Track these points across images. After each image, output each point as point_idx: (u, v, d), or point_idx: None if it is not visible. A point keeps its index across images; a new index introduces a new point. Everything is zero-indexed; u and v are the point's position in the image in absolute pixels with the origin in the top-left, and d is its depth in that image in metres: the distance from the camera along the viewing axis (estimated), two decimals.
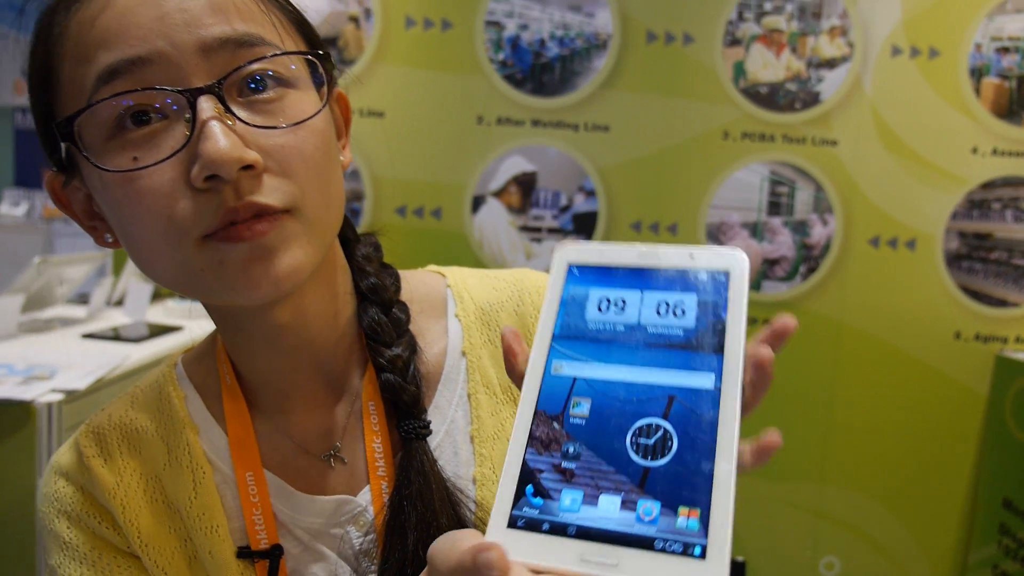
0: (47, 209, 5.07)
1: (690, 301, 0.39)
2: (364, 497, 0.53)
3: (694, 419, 0.37)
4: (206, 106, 0.41)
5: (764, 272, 2.29)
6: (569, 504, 0.35)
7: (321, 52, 0.48)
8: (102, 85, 0.42)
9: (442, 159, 2.27)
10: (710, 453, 0.36)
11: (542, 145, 2.28)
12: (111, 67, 0.42)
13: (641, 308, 0.39)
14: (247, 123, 0.43)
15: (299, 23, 0.49)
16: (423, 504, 0.50)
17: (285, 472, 0.54)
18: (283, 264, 0.44)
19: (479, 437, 0.55)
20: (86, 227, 0.51)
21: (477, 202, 2.29)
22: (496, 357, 0.58)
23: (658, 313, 0.39)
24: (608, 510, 0.35)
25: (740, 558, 1.66)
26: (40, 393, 1.33)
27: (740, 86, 2.25)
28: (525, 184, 2.29)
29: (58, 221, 5.08)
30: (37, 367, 1.48)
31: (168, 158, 0.41)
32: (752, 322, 2.29)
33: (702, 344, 0.38)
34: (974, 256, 2.27)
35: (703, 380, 0.37)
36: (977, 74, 2.22)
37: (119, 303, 2.09)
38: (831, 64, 2.24)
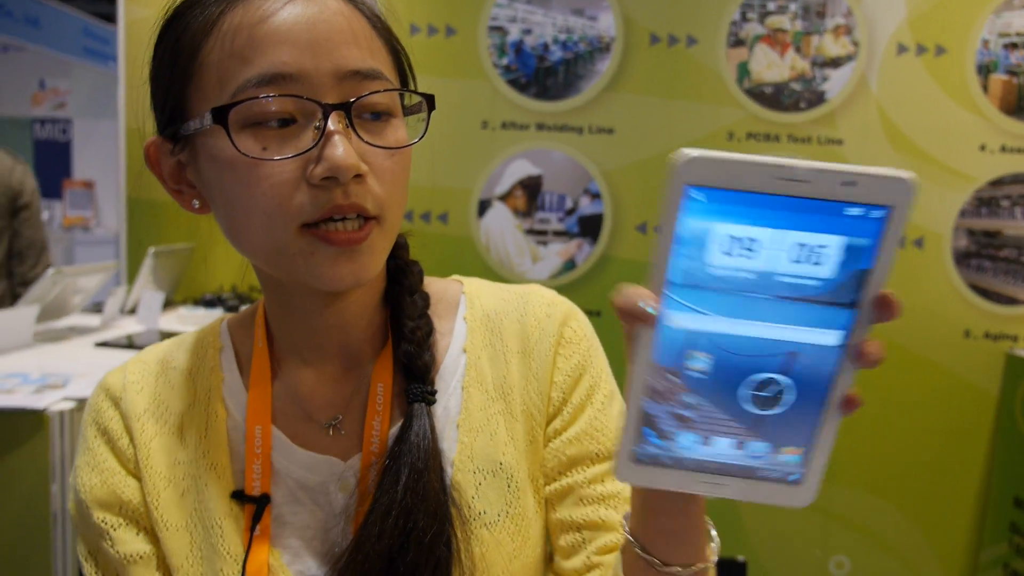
0: (67, 218, 5.16)
1: (834, 245, 0.34)
2: (352, 464, 0.59)
3: (813, 374, 0.37)
4: (335, 120, 0.50)
5: None
6: (685, 443, 0.39)
7: (416, 90, 0.58)
8: (254, 86, 0.50)
9: (448, 164, 2.29)
10: (822, 403, 0.38)
11: (547, 149, 2.30)
12: (267, 75, 0.50)
13: (774, 252, 0.34)
14: (365, 141, 0.51)
15: (399, 63, 0.59)
16: (419, 459, 0.56)
17: (289, 430, 0.60)
18: (364, 268, 0.53)
19: (465, 426, 0.61)
20: (170, 189, 0.58)
21: (483, 206, 2.31)
22: (494, 359, 0.63)
23: (793, 260, 0.34)
24: (722, 448, 0.39)
25: (741, 557, 1.67)
26: (52, 401, 1.37)
27: (744, 87, 2.25)
28: (531, 187, 2.31)
29: (77, 230, 5.17)
30: (50, 376, 1.52)
31: (296, 155, 0.50)
32: None
33: (837, 298, 0.35)
34: (983, 254, 2.25)
35: (830, 337, 0.36)
36: (984, 71, 2.21)
37: (132, 311, 2.13)
38: (836, 63, 2.24)
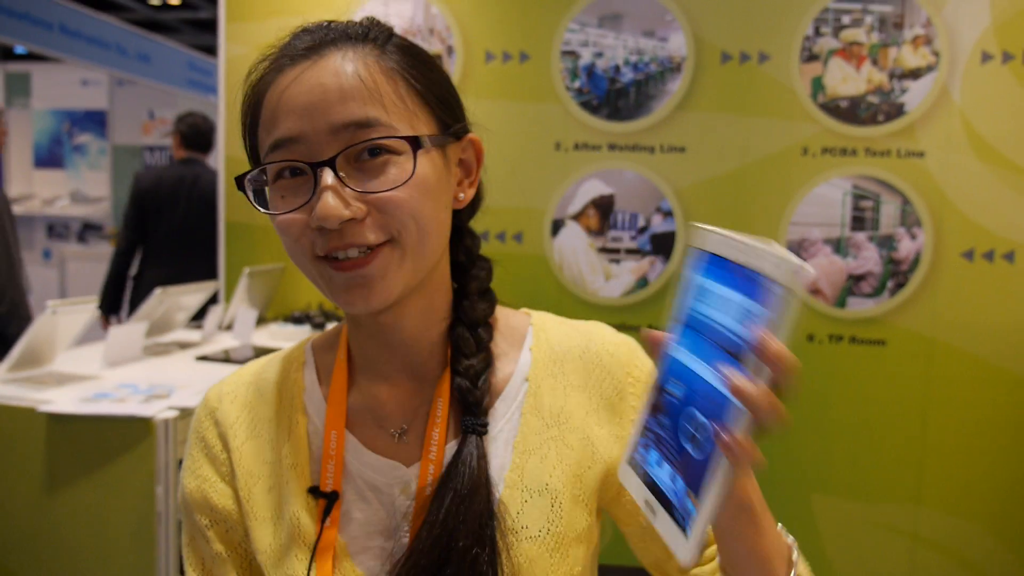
0: None
1: (758, 312, 0.40)
2: (413, 470, 0.65)
3: (722, 420, 0.40)
4: (325, 176, 0.57)
5: (849, 288, 2.25)
6: (651, 461, 0.46)
7: (427, 133, 0.62)
8: (269, 151, 0.59)
9: (522, 185, 2.36)
10: (718, 455, 0.40)
11: (619, 168, 2.34)
12: (276, 141, 0.59)
13: (731, 309, 0.42)
14: (353, 188, 0.58)
15: (432, 98, 0.63)
16: (463, 486, 0.62)
17: (362, 436, 0.67)
18: (377, 292, 0.59)
19: (519, 448, 0.66)
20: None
21: (557, 225, 2.37)
22: (554, 389, 0.68)
23: (737, 318, 0.41)
24: (665, 475, 0.44)
25: None
26: (159, 410, 1.50)
27: (819, 101, 2.23)
28: (603, 207, 2.35)
29: None
30: (157, 387, 1.66)
31: (297, 208, 0.59)
32: (838, 339, 2.26)
33: (747, 358, 0.40)
34: None
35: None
36: None
37: (229, 328, 2.28)
38: (915, 74, 2.19)
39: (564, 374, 0.69)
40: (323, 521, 0.64)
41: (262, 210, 0.61)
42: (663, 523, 0.43)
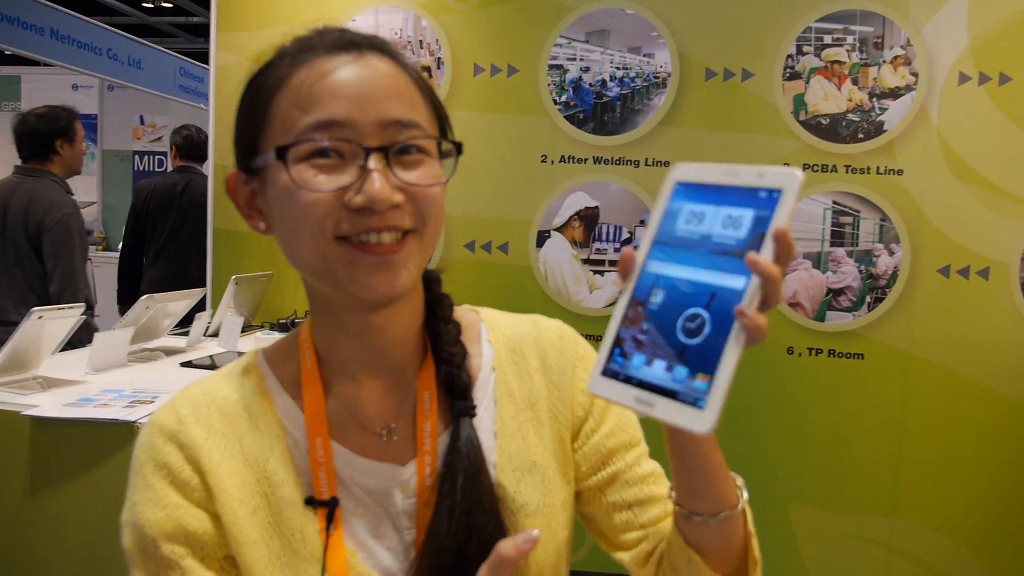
0: None
1: (747, 215, 0.48)
2: (410, 468, 0.67)
3: (725, 311, 0.47)
4: (375, 160, 0.60)
5: (828, 302, 2.29)
6: (635, 363, 0.50)
7: (451, 139, 0.68)
8: (313, 130, 0.60)
9: (509, 196, 2.39)
10: (727, 337, 0.47)
11: (604, 181, 2.37)
12: (323, 121, 0.60)
13: (712, 221, 0.50)
14: (399, 178, 0.61)
15: (437, 112, 0.68)
16: (470, 465, 0.65)
17: (347, 441, 0.67)
18: (400, 278, 0.62)
19: (501, 433, 0.70)
20: (243, 213, 0.68)
21: (542, 237, 2.39)
22: (519, 375, 0.74)
23: (722, 225, 0.49)
24: (657, 370, 0.49)
25: None
26: (142, 415, 1.52)
27: (800, 118, 2.27)
28: (588, 219, 2.38)
29: None
30: (141, 392, 1.67)
31: (339, 188, 0.60)
32: (817, 352, 2.29)
33: (745, 251, 0.48)
34: None
35: (737, 281, 0.48)
36: None
37: (215, 334, 2.30)
38: (895, 94, 2.24)
39: (524, 360, 0.74)
40: (328, 530, 0.64)
41: (299, 182, 0.60)
42: (665, 410, 0.48)
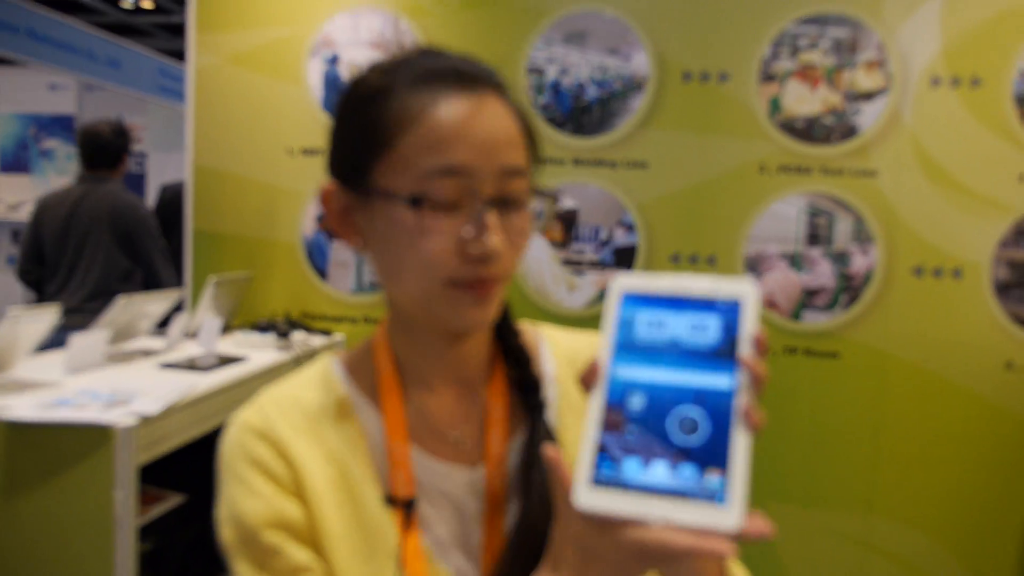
0: None
1: (713, 322, 0.51)
2: (479, 472, 0.70)
3: (717, 406, 0.49)
4: (493, 216, 0.63)
5: (804, 302, 2.32)
6: (631, 468, 0.48)
7: (545, 191, 0.71)
8: (437, 175, 0.62)
9: None
10: (729, 429, 0.48)
11: (583, 183, 2.39)
12: (447, 168, 0.62)
13: (676, 327, 0.52)
14: (509, 229, 0.65)
15: (531, 139, 0.70)
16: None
17: (422, 444, 0.71)
18: (489, 313, 0.67)
19: (560, 441, 0.73)
20: (336, 228, 0.71)
21: None
22: (578, 388, 0.77)
23: (689, 331, 0.52)
24: (659, 472, 0.48)
25: None
26: (119, 416, 1.51)
27: (776, 121, 2.30)
28: (567, 220, 2.39)
29: None
30: (118, 393, 1.66)
31: (456, 235, 0.63)
32: (793, 351, 2.32)
33: (721, 353, 0.50)
34: None
35: (721, 380, 0.49)
36: (1022, 101, 2.21)
37: (194, 335, 2.29)
38: (869, 96, 2.27)
39: (573, 368, 0.77)
40: (406, 527, 0.67)
41: (420, 225, 0.63)
42: (681, 512, 0.47)
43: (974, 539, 2.27)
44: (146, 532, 1.80)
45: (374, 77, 0.67)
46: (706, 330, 0.51)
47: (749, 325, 0.50)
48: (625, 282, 0.55)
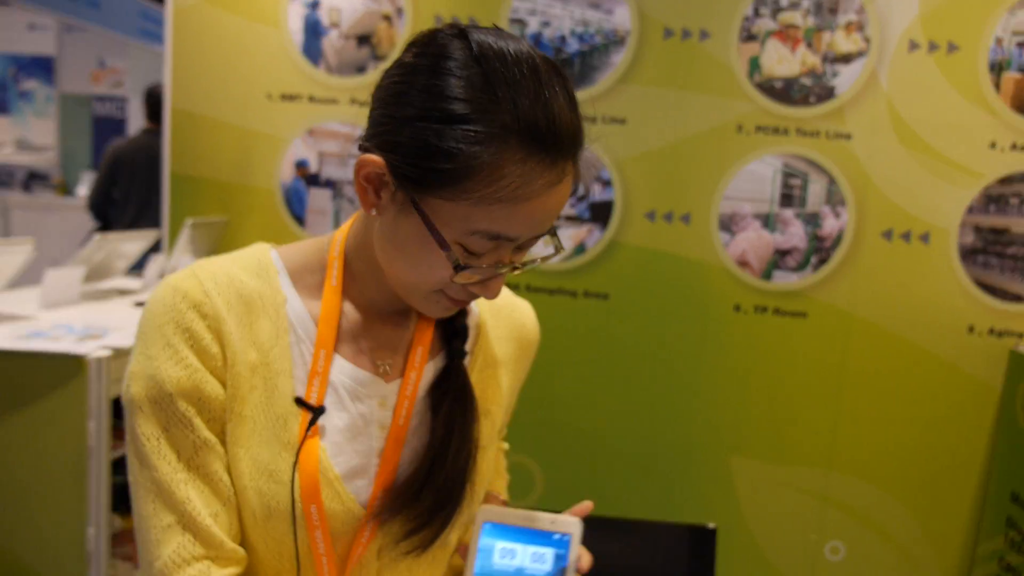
0: None
1: (549, 553, 0.68)
2: (393, 386, 0.76)
3: None
4: (505, 269, 0.68)
5: (775, 262, 2.36)
6: None
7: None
8: (483, 236, 0.65)
9: None
10: None
11: None
12: (497, 235, 0.65)
13: (523, 556, 0.69)
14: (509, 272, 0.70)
15: None
16: (458, 388, 0.76)
17: (346, 352, 0.75)
18: (454, 309, 0.74)
19: (472, 379, 0.81)
20: (360, 187, 0.69)
21: None
22: (497, 337, 0.85)
23: (531, 560, 0.68)
24: None
25: (711, 525, 1.75)
26: (92, 349, 1.53)
27: (755, 81, 2.31)
28: None
29: None
30: (92, 328, 1.68)
31: (468, 279, 0.68)
32: (763, 310, 2.37)
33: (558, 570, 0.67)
34: (990, 251, 2.29)
35: None
36: (997, 68, 2.23)
37: None
38: (847, 59, 2.29)
39: (498, 326, 0.85)
40: (307, 430, 0.71)
41: (444, 253, 0.67)
42: None
43: (929, 495, 2.35)
44: (120, 466, 1.83)
45: (478, 87, 0.63)
46: (544, 560, 0.68)
47: (573, 556, 0.68)
48: (486, 511, 0.71)
